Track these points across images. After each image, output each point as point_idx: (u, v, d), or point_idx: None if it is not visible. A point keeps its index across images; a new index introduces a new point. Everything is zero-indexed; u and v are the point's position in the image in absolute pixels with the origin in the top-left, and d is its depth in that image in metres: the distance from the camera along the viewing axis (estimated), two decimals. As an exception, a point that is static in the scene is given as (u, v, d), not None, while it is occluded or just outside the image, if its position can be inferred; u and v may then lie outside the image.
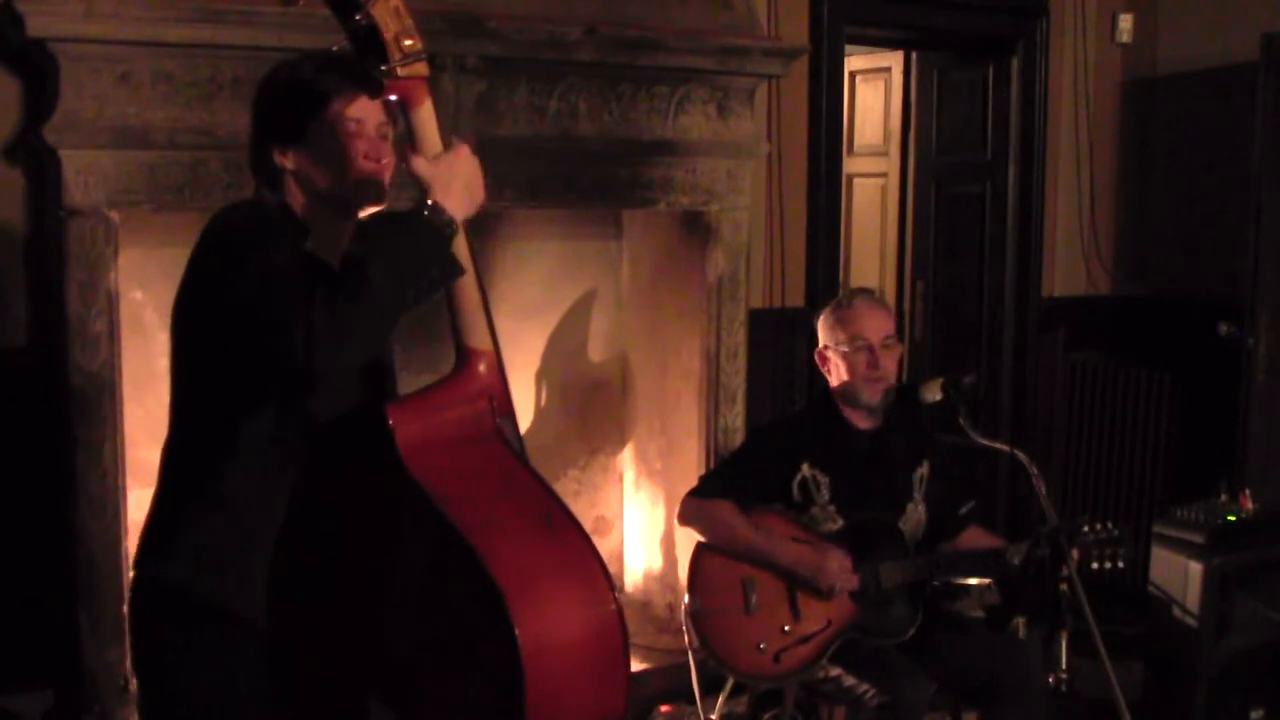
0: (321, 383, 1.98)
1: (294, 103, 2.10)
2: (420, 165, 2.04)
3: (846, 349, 3.34)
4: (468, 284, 2.13)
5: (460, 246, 2.09)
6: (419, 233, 2.01)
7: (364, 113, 2.10)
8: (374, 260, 1.96)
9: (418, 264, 2.00)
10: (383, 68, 2.04)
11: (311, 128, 2.09)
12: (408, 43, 2.05)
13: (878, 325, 3.36)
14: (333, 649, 2.16)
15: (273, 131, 2.12)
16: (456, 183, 2.05)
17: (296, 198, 2.13)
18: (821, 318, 3.46)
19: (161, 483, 2.18)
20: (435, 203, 2.02)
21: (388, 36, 2.04)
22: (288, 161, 2.11)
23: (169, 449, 2.17)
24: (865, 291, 3.58)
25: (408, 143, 2.11)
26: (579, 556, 2.07)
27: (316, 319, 1.87)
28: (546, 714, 1.96)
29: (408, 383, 2.23)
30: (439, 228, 2.02)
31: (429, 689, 2.11)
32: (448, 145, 2.12)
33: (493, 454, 2.15)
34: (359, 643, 2.15)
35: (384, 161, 2.13)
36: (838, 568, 3.21)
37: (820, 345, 3.43)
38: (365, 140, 2.10)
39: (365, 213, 2.17)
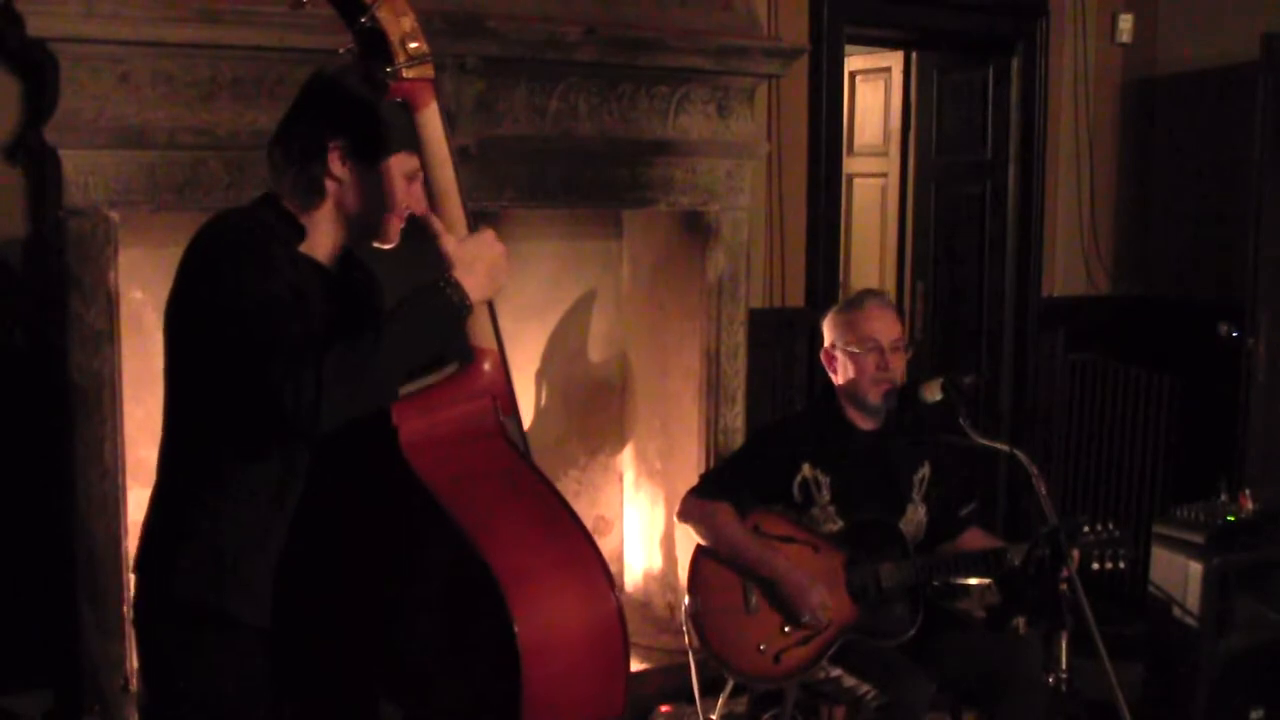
0: (315, 434, 1.99)
1: (384, 131, 2.10)
2: (448, 244, 2.08)
3: (856, 350, 3.33)
4: None
5: (482, 319, 2.13)
6: (436, 309, 2.05)
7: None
8: (391, 333, 1.99)
9: (430, 342, 2.05)
10: (388, 70, 2.04)
11: (383, 159, 2.10)
12: (413, 45, 2.05)
13: (888, 328, 3.35)
14: (338, 648, 2.16)
15: (350, 139, 2.09)
16: (480, 265, 2.09)
17: (329, 205, 2.12)
18: (830, 317, 3.45)
19: (159, 485, 2.18)
20: (456, 281, 2.05)
21: (393, 39, 2.04)
22: (343, 171, 2.10)
23: (166, 452, 2.17)
24: (875, 293, 3.56)
25: (434, 213, 2.13)
26: (580, 555, 2.07)
27: (326, 379, 1.89)
28: (544, 712, 1.96)
29: (409, 381, 2.23)
30: (455, 307, 2.05)
31: (433, 686, 2.11)
32: (452, 151, 2.13)
33: (496, 452, 2.15)
34: (365, 641, 2.15)
35: (414, 214, 2.16)
36: (817, 603, 3.20)
37: (827, 344, 3.42)
38: (414, 193, 2.13)
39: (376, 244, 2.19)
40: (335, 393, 1.91)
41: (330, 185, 2.10)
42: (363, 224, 2.14)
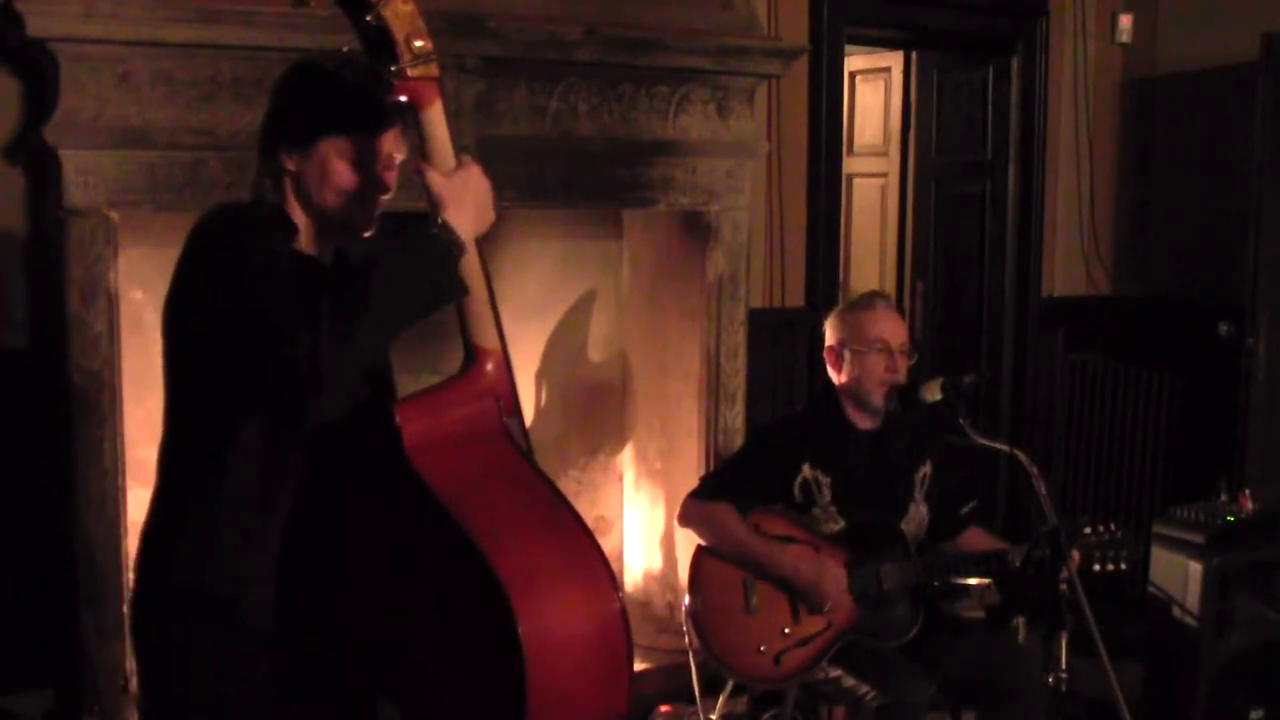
0: (320, 391, 1.97)
1: (308, 116, 2.09)
2: (435, 181, 2.04)
3: (865, 350, 3.32)
4: (476, 283, 2.13)
5: (471, 259, 2.09)
6: (427, 250, 2.01)
7: (390, 145, 2.11)
8: (379, 274, 1.94)
9: (423, 282, 2.00)
10: (393, 68, 2.04)
11: (326, 144, 2.08)
12: (418, 43, 2.04)
13: (897, 330, 3.35)
14: (339, 648, 2.16)
15: (286, 134, 2.10)
16: (468, 202, 2.05)
17: (291, 200, 2.13)
18: (836, 316, 3.44)
19: (160, 484, 2.17)
20: (445, 221, 2.02)
21: (399, 37, 2.03)
22: (291, 164, 2.10)
23: (165, 450, 2.17)
24: (883, 295, 3.55)
25: (420, 155, 2.10)
26: (583, 556, 2.07)
27: (321, 333, 1.86)
28: (549, 712, 1.96)
29: (410, 382, 2.23)
30: (447, 246, 2.02)
31: (435, 686, 2.11)
32: (456, 149, 2.12)
33: (499, 452, 2.15)
34: (366, 641, 2.15)
35: (389, 195, 2.13)
36: (832, 586, 3.20)
37: (832, 343, 3.41)
38: (376, 171, 2.11)
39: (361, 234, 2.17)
40: (332, 339, 1.87)
41: (285, 180, 2.11)
42: (317, 212, 2.12)
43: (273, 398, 2.01)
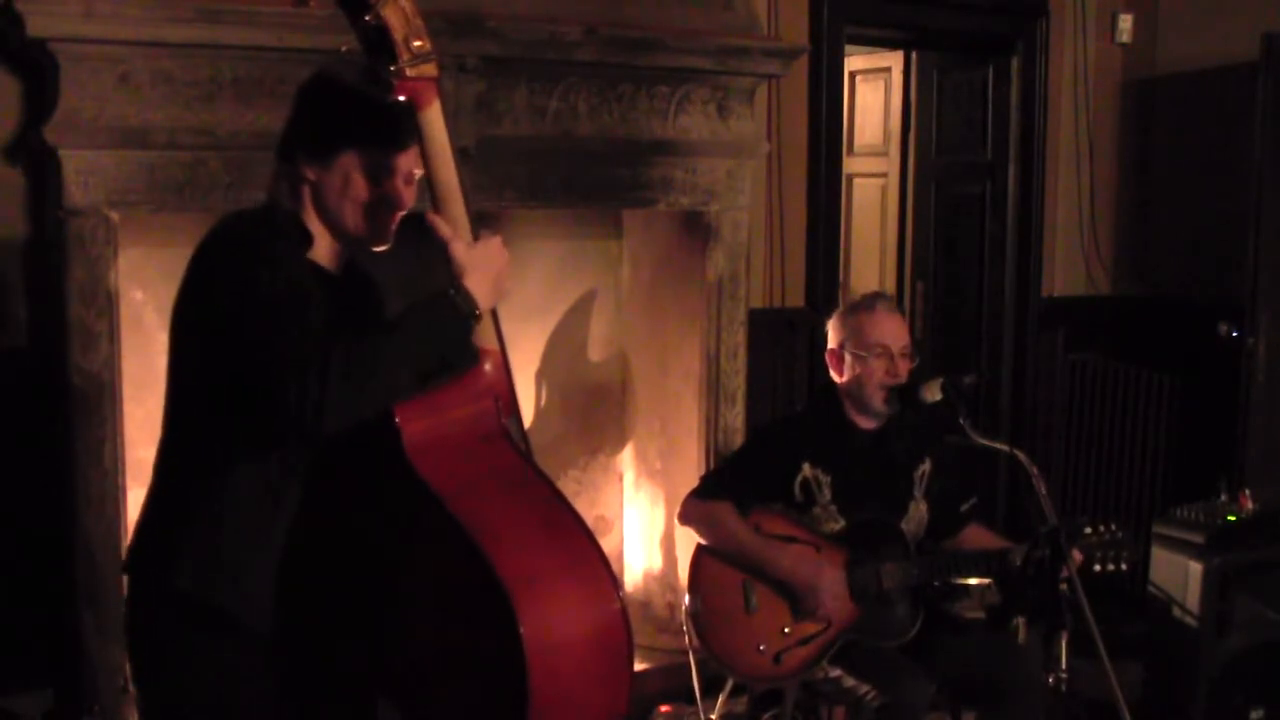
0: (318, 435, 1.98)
1: (329, 129, 2.10)
2: (459, 250, 2.07)
3: (865, 353, 3.31)
4: None
5: (484, 320, 2.12)
6: (444, 316, 2.04)
7: (409, 162, 2.12)
8: (393, 336, 1.99)
9: (435, 346, 2.04)
10: (391, 68, 2.04)
11: (347, 158, 2.10)
12: (417, 44, 2.05)
13: (898, 333, 3.35)
14: (339, 649, 2.16)
15: (307, 143, 2.11)
16: (489, 273, 2.08)
17: (309, 209, 2.13)
18: (838, 317, 3.44)
19: (156, 484, 2.17)
20: (465, 289, 2.05)
21: (397, 37, 2.04)
22: (310, 174, 2.11)
23: (166, 450, 2.17)
24: (885, 297, 3.53)
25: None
26: (583, 556, 2.07)
27: (331, 381, 1.88)
28: (551, 712, 1.96)
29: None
30: (465, 315, 2.05)
31: (436, 688, 2.11)
32: (456, 153, 2.12)
33: (499, 453, 2.15)
34: (366, 643, 2.15)
35: (404, 212, 2.14)
36: (828, 595, 3.20)
37: (834, 344, 3.41)
38: (389, 189, 2.12)
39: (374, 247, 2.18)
40: (339, 395, 1.90)
41: (304, 187, 2.12)
42: (334, 223, 2.13)
43: (273, 432, 2.02)
